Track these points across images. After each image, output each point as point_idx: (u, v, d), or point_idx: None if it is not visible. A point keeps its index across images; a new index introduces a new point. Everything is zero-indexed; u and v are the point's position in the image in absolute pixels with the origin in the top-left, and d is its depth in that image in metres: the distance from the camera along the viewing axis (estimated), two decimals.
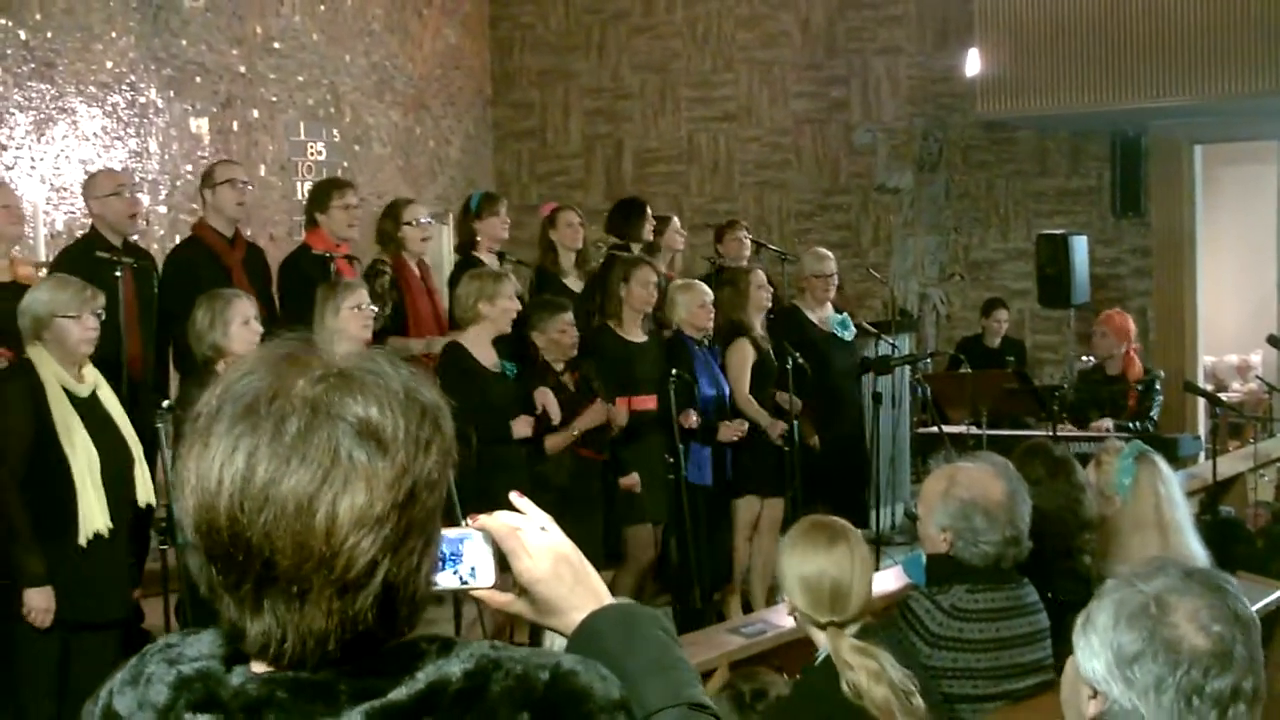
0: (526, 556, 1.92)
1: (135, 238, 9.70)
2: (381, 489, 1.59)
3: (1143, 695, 2.40)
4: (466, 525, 1.89)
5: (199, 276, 7.42)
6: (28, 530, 5.76)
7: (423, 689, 1.60)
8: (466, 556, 1.86)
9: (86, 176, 8.41)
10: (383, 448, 1.60)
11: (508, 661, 1.65)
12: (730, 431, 8.47)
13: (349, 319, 6.72)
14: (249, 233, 10.72)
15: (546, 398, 7.58)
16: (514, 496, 1.97)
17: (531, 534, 1.93)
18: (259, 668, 1.63)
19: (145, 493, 6.07)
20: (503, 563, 1.92)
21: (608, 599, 1.96)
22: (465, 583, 1.87)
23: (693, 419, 8.17)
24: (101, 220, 7.67)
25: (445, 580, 1.83)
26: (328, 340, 6.01)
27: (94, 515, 5.79)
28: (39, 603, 5.75)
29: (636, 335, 8.36)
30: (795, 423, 8.70)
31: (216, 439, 1.60)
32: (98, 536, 5.82)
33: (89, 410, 5.92)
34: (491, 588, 1.90)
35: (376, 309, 7.21)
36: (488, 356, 7.44)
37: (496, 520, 1.91)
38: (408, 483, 1.61)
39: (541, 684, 1.65)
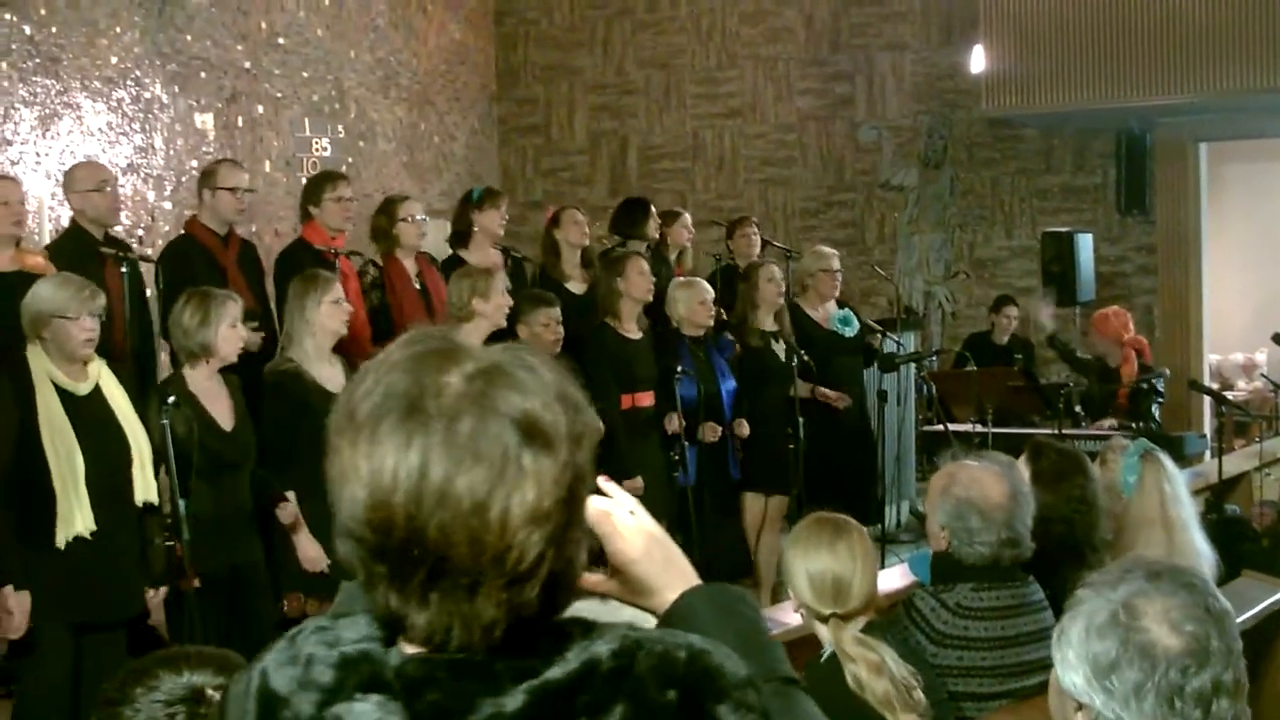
0: (620, 538, 1.98)
1: (141, 233, 9.72)
2: (549, 484, 1.65)
3: (1124, 703, 2.39)
4: None
5: (194, 273, 7.34)
6: (5, 531, 5.69)
7: (576, 668, 1.66)
8: None
9: (66, 170, 8.29)
10: (548, 445, 1.66)
11: (647, 642, 1.71)
12: (710, 432, 8.43)
13: (328, 313, 6.69)
14: (254, 228, 10.74)
15: None
16: (602, 481, 2.01)
17: (623, 517, 2.00)
18: (411, 649, 1.68)
19: (144, 491, 6.02)
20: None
21: (695, 579, 2.02)
22: None
23: (674, 423, 8.14)
24: (82, 215, 7.54)
25: None
26: (303, 333, 5.99)
27: (73, 518, 5.71)
28: (9, 604, 5.68)
29: (634, 332, 8.32)
30: (801, 420, 8.68)
31: (386, 435, 1.64)
32: (93, 536, 5.75)
33: (86, 409, 5.85)
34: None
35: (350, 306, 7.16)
36: None
37: (589, 504, 1.95)
38: (569, 477, 1.67)
39: (681, 663, 1.70)
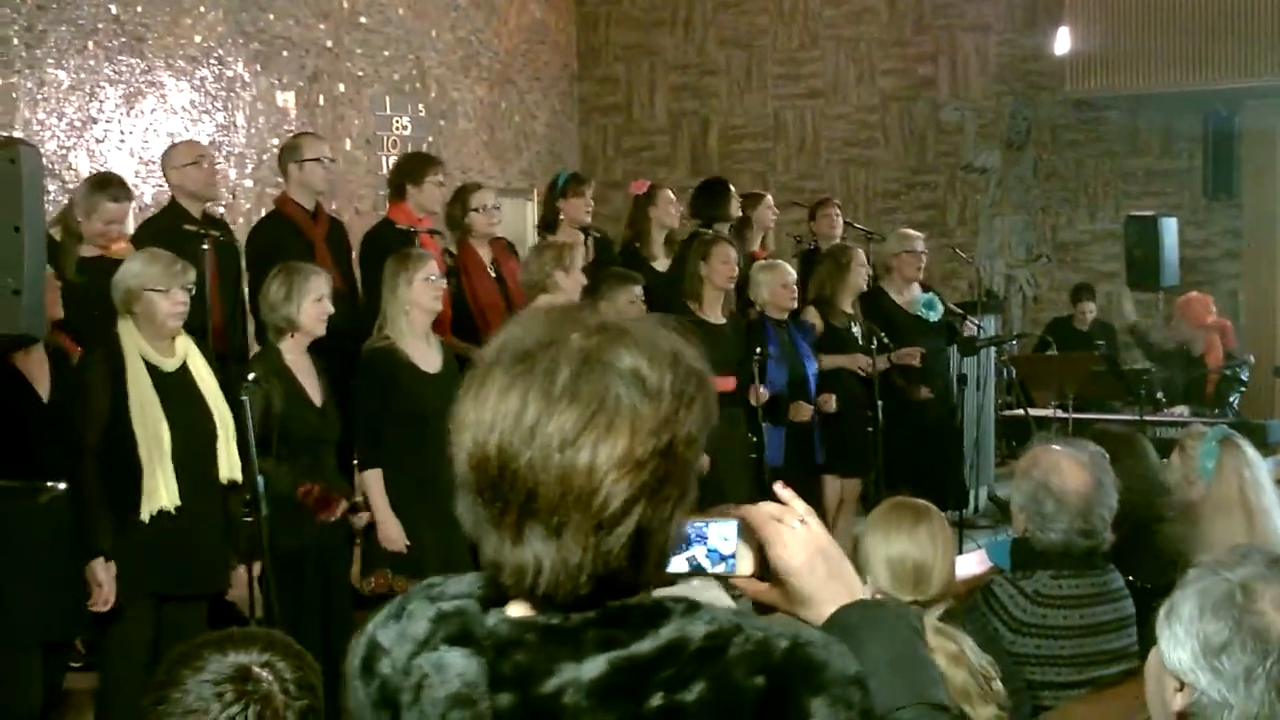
0: (783, 546, 1.98)
1: (222, 211, 9.79)
2: (644, 434, 1.68)
3: (1232, 686, 2.36)
4: (729, 514, 1.96)
5: (283, 250, 7.41)
6: (99, 504, 5.74)
7: (664, 644, 1.68)
8: (725, 545, 1.94)
9: (165, 149, 8.42)
10: (649, 396, 1.69)
11: (750, 628, 1.71)
12: (800, 412, 8.41)
13: (422, 290, 6.66)
14: (334, 206, 10.79)
15: None
16: (778, 487, 2.05)
17: (790, 526, 2.00)
18: (514, 611, 1.74)
19: (228, 468, 6.05)
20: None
21: (860, 594, 2.01)
22: (728, 570, 1.95)
23: (762, 392, 8.10)
24: (180, 190, 7.66)
25: (707, 568, 1.93)
26: (397, 312, 6.05)
27: (159, 492, 5.75)
28: (99, 576, 5.72)
29: (716, 317, 8.27)
30: (880, 403, 8.64)
31: (493, 382, 1.72)
32: (179, 511, 5.78)
33: (175, 385, 5.89)
34: (750, 576, 1.97)
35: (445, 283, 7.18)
36: None
37: (758, 510, 1.99)
38: (668, 433, 1.69)
39: (780, 651, 1.69)
